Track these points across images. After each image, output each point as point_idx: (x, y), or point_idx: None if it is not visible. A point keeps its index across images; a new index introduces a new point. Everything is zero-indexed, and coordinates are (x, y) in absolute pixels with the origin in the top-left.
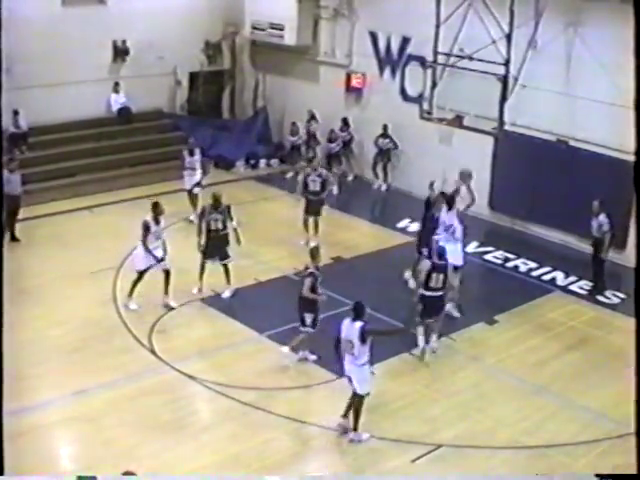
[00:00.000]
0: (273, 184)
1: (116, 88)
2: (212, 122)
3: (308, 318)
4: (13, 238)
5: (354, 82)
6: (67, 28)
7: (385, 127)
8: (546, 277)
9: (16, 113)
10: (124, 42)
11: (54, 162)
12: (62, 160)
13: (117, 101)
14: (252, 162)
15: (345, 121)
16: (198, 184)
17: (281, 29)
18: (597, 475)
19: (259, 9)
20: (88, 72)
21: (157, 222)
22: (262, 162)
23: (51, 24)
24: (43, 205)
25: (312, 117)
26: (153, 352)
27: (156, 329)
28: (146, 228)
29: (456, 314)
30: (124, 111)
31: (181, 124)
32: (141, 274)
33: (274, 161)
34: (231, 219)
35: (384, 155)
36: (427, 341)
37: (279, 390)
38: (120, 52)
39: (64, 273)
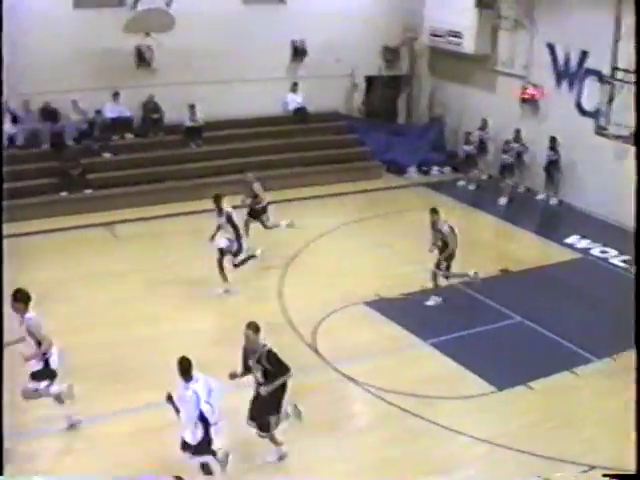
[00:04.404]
0: (444, 192)
1: (294, 88)
2: (387, 126)
3: None
4: None
5: (531, 94)
6: (247, 26)
7: (553, 139)
8: None
9: (192, 107)
10: (303, 42)
11: (228, 157)
12: (236, 156)
13: (294, 101)
14: (424, 168)
15: (518, 132)
16: None
17: (459, 37)
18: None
19: (438, 16)
20: (266, 70)
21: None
22: (434, 169)
23: (232, 21)
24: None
25: (484, 126)
26: (316, 351)
27: (320, 329)
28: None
29: None
30: (300, 111)
31: (356, 127)
32: None
33: (446, 169)
34: None
35: (551, 167)
36: None
37: (438, 399)
38: (298, 52)
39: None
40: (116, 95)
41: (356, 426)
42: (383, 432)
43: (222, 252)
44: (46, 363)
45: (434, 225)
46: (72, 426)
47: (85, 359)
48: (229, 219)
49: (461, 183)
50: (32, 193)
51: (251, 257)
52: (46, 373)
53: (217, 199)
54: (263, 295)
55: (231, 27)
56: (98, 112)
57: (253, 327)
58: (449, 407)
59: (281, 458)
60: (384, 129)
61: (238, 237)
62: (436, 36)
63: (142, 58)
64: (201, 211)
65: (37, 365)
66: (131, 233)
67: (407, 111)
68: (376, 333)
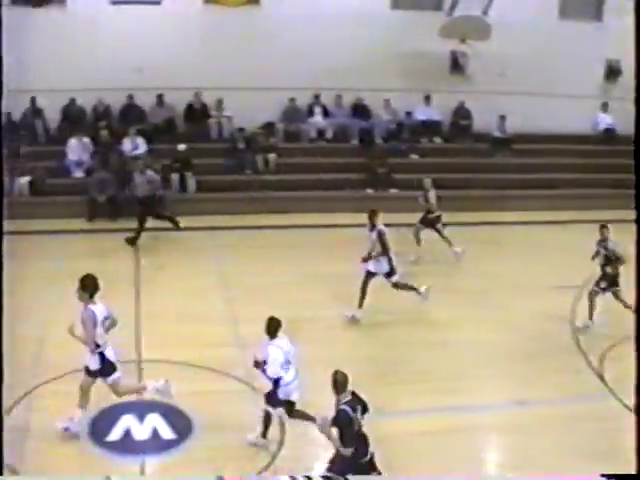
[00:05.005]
0: None
1: (604, 107)
2: None
3: None
4: None
5: None
6: (562, 40)
7: None
8: None
9: (503, 118)
10: (618, 62)
11: (534, 172)
12: (542, 171)
13: (604, 121)
14: None
15: None
16: None
17: None
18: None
19: None
20: (577, 87)
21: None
22: None
23: (547, 34)
24: (521, 212)
25: None
26: (601, 378)
27: (610, 355)
28: None
29: None
30: (610, 132)
31: None
32: None
33: None
34: None
35: None
36: None
37: None
38: (613, 72)
39: (525, 282)
40: (427, 98)
41: (624, 459)
42: None
43: (370, 275)
44: (102, 358)
45: (603, 241)
46: (67, 429)
47: (372, 354)
48: (380, 236)
49: None
50: (339, 186)
51: (413, 289)
52: (108, 368)
53: (372, 215)
54: (554, 313)
55: (546, 40)
56: (408, 113)
57: (338, 377)
58: None
59: None
60: None
61: (387, 257)
62: None
63: (456, 64)
64: (499, 222)
65: (94, 363)
66: (435, 237)
67: None
68: None
